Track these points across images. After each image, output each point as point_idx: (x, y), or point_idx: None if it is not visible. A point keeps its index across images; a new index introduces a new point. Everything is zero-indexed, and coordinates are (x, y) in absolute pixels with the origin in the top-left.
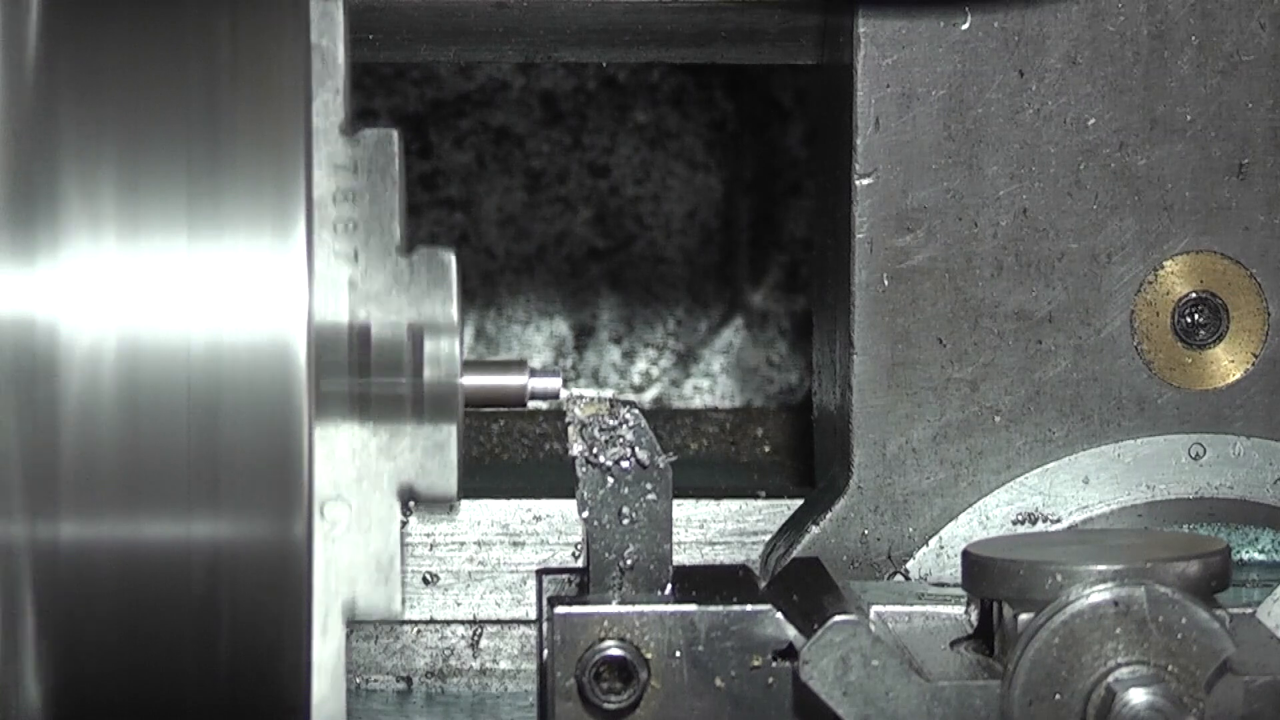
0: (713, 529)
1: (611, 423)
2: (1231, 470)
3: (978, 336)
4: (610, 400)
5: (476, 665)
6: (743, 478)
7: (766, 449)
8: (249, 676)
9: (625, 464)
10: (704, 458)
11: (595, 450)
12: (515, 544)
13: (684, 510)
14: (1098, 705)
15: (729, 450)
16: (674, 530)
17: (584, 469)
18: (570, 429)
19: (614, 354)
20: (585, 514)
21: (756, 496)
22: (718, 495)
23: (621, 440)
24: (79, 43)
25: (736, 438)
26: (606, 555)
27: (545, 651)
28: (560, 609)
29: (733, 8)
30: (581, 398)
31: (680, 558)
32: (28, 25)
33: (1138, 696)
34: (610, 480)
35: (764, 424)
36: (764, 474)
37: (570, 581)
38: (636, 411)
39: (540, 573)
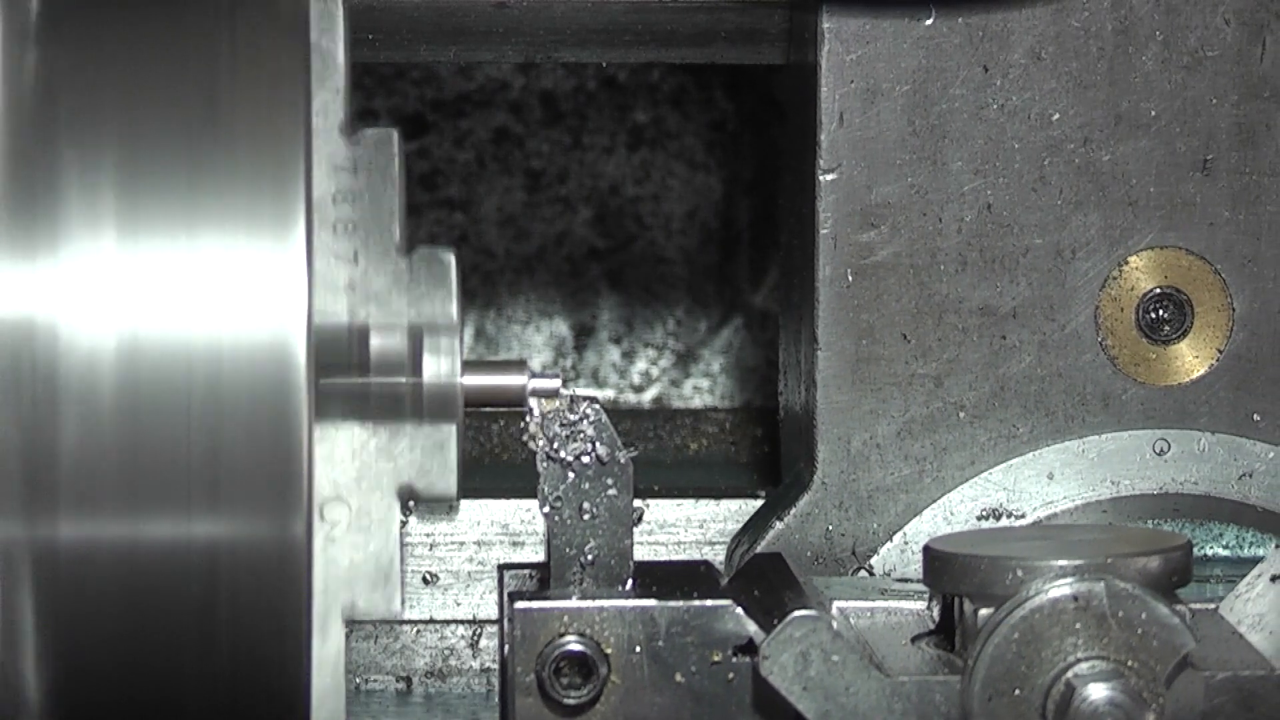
0: (712, 529)
1: (572, 418)
2: (1196, 466)
3: (942, 332)
4: (570, 396)
5: (476, 665)
6: (743, 478)
7: (766, 449)
8: (249, 676)
9: (586, 459)
10: (704, 458)
11: (556, 446)
12: (515, 544)
13: (684, 510)
14: (1057, 700)
15: (729, 450)
16: (674, 530)
17: (545, 464)
18: (531, 425)
19: (614, 354)
20: (546, 509)
21: (756, 496)
22: (718, 495)
23: (582, 435)
24: (79, 43)
25: (736, 438)
26: (567, 550)
27: (505, 647)
28: (520, 604)
29: (733, 8)
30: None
31: (681, 558)
32: (28, 25)
33: (1097, 692)
34: (571, 475)
35: (764, 424)
36: (764, 474)
37: (531, 576)
38: (597, 407)
39: (501, 568)
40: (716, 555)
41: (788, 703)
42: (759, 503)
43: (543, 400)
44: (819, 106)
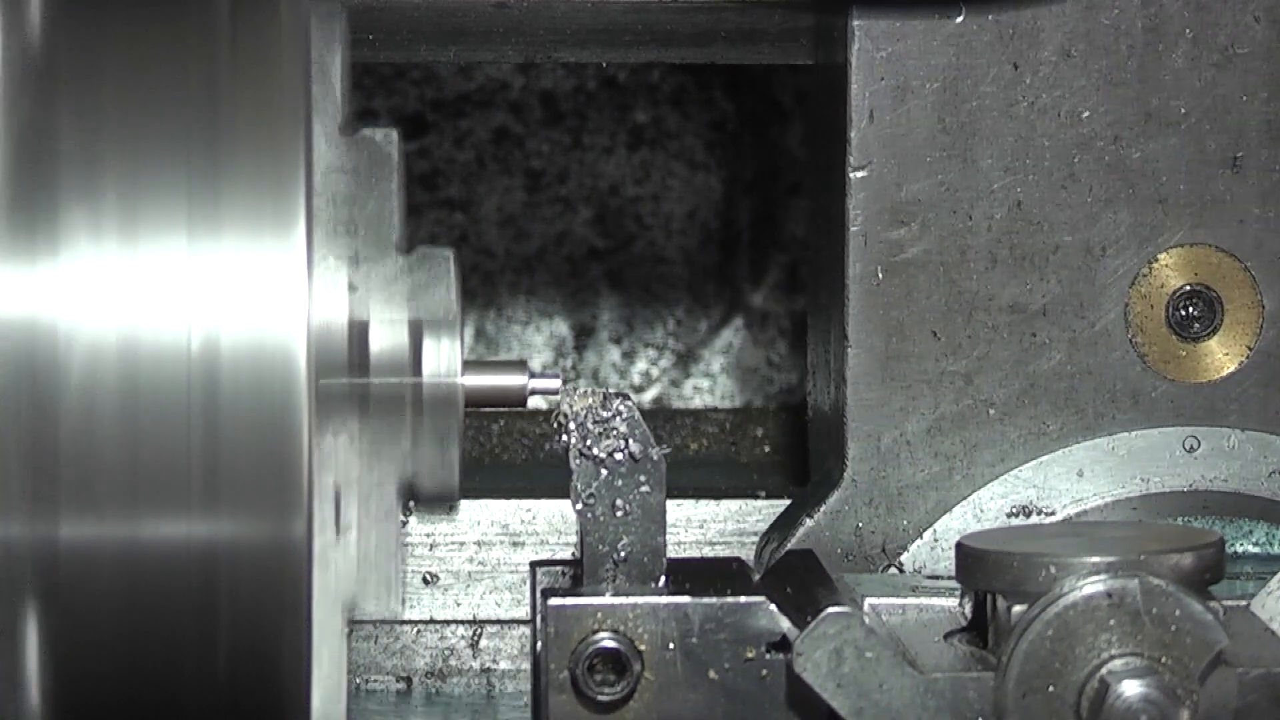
0: (713, 529)
1: (605, 415)
2: (1226, 463)
3: (972, 329)
4: (604, 393)
5: (476, 665)
6: (743, 478)
7: (766, 449)
8: (249, 676)
9: (619, 456)
10: (704, 458)
11: (589, 442)
12: (515, 544)
13: (684, 510)
14: (1091, 697)
15: (729, 450)
16: (674, 530)
17: (577, 461)
18: (563, 421)
19: (614, 354)
20: (579, 506)
21: (756, 496)
22: (718, 495)
23: (615, 433)
24: (79, 43)
25: (736, 438)
26: (600, 547)
27: (539, 644)
28: (554, 601)
29: (733, 8)
30: (576, 390)
31: (678, 557)
32: (28, 26)
33: (1131, 689)
34: (604, 472)
35: (764, 424)
36: (764, 474)
37: (564, 574)
38: (630, 404)
39: (534, 564)
40: (717, 555)
41: (821, 699)
42: (759, 503)
43: (576, 397)
44: (849, 104)
